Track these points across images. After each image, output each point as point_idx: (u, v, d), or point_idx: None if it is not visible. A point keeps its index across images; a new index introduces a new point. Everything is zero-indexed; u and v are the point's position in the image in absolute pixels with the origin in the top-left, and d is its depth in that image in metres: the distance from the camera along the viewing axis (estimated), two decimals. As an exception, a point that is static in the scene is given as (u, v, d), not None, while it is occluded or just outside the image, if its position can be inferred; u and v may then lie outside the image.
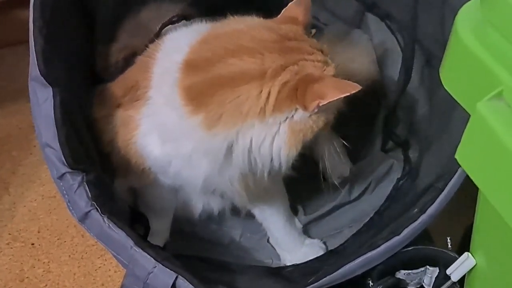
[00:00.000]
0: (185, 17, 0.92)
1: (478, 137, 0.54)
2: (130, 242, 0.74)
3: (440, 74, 0.61)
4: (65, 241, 1.15)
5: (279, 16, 0.82)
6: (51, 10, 0.78)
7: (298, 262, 0.96)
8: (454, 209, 1.03)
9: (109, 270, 1.10)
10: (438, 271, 0.83)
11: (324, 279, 0.78)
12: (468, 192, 0.62)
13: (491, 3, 0.54)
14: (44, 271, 1.11)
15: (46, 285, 1.09)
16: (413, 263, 0.84)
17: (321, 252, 0.98)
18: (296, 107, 0.74)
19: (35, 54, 0.75)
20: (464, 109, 0.58)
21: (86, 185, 0.75)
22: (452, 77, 0.60)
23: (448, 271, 0.76)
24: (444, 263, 0.82)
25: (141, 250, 0.74)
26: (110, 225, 0.74)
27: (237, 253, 1.00)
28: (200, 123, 0.74)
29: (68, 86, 0.81)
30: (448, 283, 0.79)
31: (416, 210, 0.79)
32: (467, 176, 0.56)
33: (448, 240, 0.86)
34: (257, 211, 0.97)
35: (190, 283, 0.73)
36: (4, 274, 1.10)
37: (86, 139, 0.83)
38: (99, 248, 1.11)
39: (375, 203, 0.99)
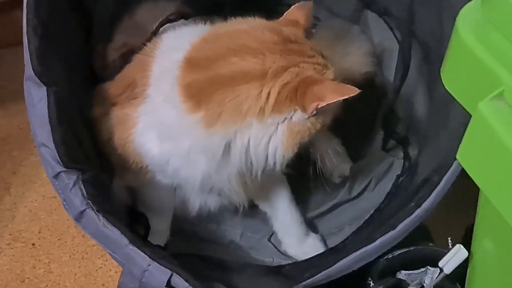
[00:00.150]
0: (183, 16, 0.92)
1: (479, 137, 0.54)
2: (125, 241, 0.74)
3: (441, 75, 0.61)
4: (66, 242, 1.15)
5: (281, 18, 0.82)
6: (47, 10, 0.78)
7: (302, 256, 0.96)
8: (454, 209, 1.03)
9: (110, 270, 1.10)
10: (438, 271, 0.83)
11: (320, 274, 0.78)
12: (469, 192, 0.62)
13: (492, 4, 0.54)
14: (44, 271, 1.11)
15: (46, 286, 1.09)
16: (413, 264, 0.83)
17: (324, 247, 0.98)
18: (295, 108, 0.74)
19: (29, 54, 0.76)
20: (461, 104, 0.58)
21: (82, 184, 0.75)
22: (453, 77, 0.60)
23: (440, 264, 0.76)
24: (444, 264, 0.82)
25: (136, 248, 0.74)
26: (105, 223, 0.74)
27: (238, 252, 1.00)
28: (199, 121, 0.75)
29: (67, 86, 0.81)
30: (441, 275, 0.78)
31: (412, 204, 0.79)
32: (468, 176, 0.56)
33: (449, 240, 0.86)
34: (260, 200, 0.97)
35: (185, 281, 0.73)
36: (5, 274, 1.10)
37: (83, 139, 0.83)
38: (99, 249, 1.11)
39: (375, 200, 0.99)
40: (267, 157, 0.78)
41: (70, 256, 1.13)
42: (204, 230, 1.02)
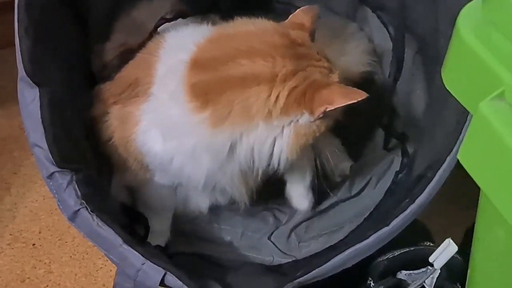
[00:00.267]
0: (181, 14, 0.93)
1: (480, 137, 0.54)
2: (119, 240, 0.75)
3: (442, 75, 0.61)
4: (66, 242, 1.15)
5: (286, 21, 0.83)
6: (39, 10, 0.78)
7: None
8: (454, 209, 1.03)
9: (110, 270, 1.10)
10: (439, 271, 0.83)
11: (314, 271, 0.78)
12: (469, 192, 0.62)
13: (493, 3, 0.54)
14: (45, 271, 1.11)
15: (47, 286, 1.09)
16: (414, 264, 0.84)
17: None
18: (302, 111, 0.76)
19: (20, 54, 0.76)
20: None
21: (76, 184, 0.75)
22: (453, 77, 0.60)
23: (430, 259, 0.75)
24: (445, 264, 0.81)
25: (129, 248, 0.74)
26: (99, 223, 0.75)
27: (238, 251, 1.00)
28: (205, 120, 0.76)
29: (62, 86, 0.81)
30: (431, 270, 0.78)
31: (407, 200, 0.79)
32: (468, 176, 0.56)
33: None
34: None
35: (179, 279, 0.74)
36: (5, 274, 1.10)
37: (80, 139, 0.83)
38: (100, 249, 1.11)
39: (376, 198, 0.99)
40: (271, 157, 0.79)
41: (70, 256, 1.13)
42: (204, 230, 1.02)
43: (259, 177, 0.83)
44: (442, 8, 0.83)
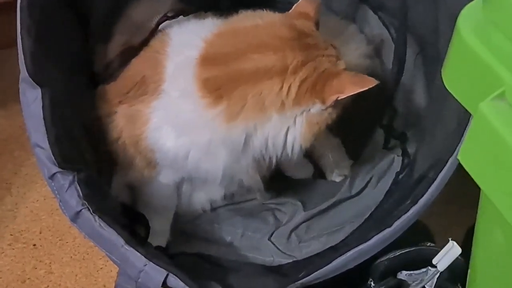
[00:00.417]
0: (181, 12, 0.93)
1: (480, 138, 0.54)
2: (120, 241, 0.74)
3: (442, 75, 0.62)
4: (67, 242, 1.15)
5: (291, 11, 0.85)
6: (41, 10, 0.78)
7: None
8: (455, 209, 1.03)
9: (111, 271, 1.10)
10: (440, 272, 0.83)
11: (316, 273, 0.78)
12: (469, 192, 0.62)
13: (494, 4, 0.54)
14: (45, 272, 1.11)
15: (47, 286, 1.09)
16: (415, 264, 0.84)
17: None
18: (314, 101, 0.78)
19: (22, 55, 0.76)
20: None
21: (77, 185, 0.75)
22: (454, 77, 0.60)
23: (434, 261, 0.76)
24: (445, 264, 0.82)
25: (131, 249, 0.74)
26: (101, 224, 0.74)
27: (238, 252, 1.00)
28: (219, 115, 0.78)
29: (63, 86, 0.81)
30: (433, 271, 0.78)
31: (408, 202, 0.79)
32: (468, 176, 0.56)
33: (450, 241, 0.86)
34: None
35: (181, 280, 0.74)
36: (6, 275, 1.10)
37: (80, 139, 0.83)
38: (101, 249, 1.11)
39: (376, 198, 0.99)
40: (285, 147, 0.81)
41: (71, 256, 1.13)
42: (204, 230, 1.02)
43: (273, 165, 0.86)
44: (443, 8, 0.83)
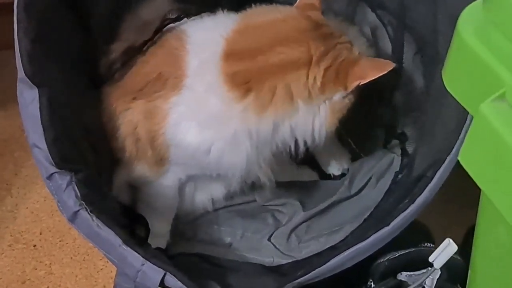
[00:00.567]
0: (184, 14, 0.93)
1: (480, 139, 0.54)
2: (118, 241, 0.74)
3: (443, 76, 0.62)
4: (67, 243, 1.15)
5: (297, 3, 0.87)
6: (38, 11, 0.78)
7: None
8: (455, 210, 1.03)
9: (111, 272, 1.10)
10: (439, 272, 0.83)
11: (314, 271, 0.78)
12: (469, 192, 0.62)
13: (494, 4, 0.55)
14: (46, 273, 1.11)
15: (47, 287, 1.09)
16: (414, 265, 0.84)
17: None
18: (338, 89, 0.82)
19: (19, 55, 0.76)
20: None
21: (75, 185, 0.75)
22: (454, 78, 0.60)
23: (430, 259, 0.76)
24: (446, 265, 0.82)
25: (129, 248, 0.74)
26: (99, 224, 0.74)
27: (238, 253, 1.00)
28: (248, 108, 0.81)
29: (62, 86, 0.81)
30: (431, 270, 0.78)
31: (406, 201, 0.79)
32: (468, 176, 0.56)
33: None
34: None
35: (178, 280, 0.74)
36: (6, 276, 1.10)
37: (79, 139, 0.83)
38: (101, 250, 1.11)
39: (376, 198, 0.99)
40: (312, 134, 0.85)
41: (71, 257, 1.13)
42: (204, 231, 1.02)
43: (299, 156, 0.89)
44: (442, 7, 0.83)
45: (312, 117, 0.83)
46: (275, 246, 1.00)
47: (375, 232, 0.78)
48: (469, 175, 0.56)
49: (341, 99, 0.83)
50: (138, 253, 0.74)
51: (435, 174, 0.77)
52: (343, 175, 1.07)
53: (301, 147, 0.86)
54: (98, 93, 0.91)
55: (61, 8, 0.86)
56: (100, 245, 0.76)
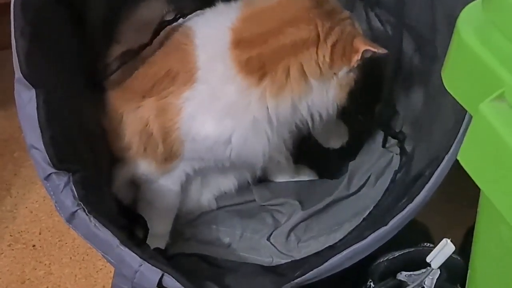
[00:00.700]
0: (180, 14, 0.93)
1: (480, 139, 0.54)
2: (116, 241, 0.75)
3: (442, 76, 0.62)
4: (66, 243, 1.15)
5: None
6: (35, 11, 0.78)
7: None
8: (455, 210, 1.03)
9: (110, 272, 1.09)
10: (439, 272, 0.83)
11: (312, 272, 0.78)
12: (469, 192, 0.62)
13: (494, 4, 0.55)
14: (45, 273, 1.11)
15: (47, 287, 1.09)
16: (414, 265, 0.83)
17: None
18: (344, 64, 0.84)
19: (16, 55, 0.76)
20: (458, 101, 0.59)
21: (73, 185, 0.75)
22: (454, 78, 0.60)
23: (428, 259, 0.75)
24: (445, 265, 0.81)
25: (126, 249, 0.74)
26: (97, 224, 0.75)
27: (237, 253, 1.00)
28: (265, 92, 0.83)
29: (59, 87, 0.81)
30: (429, 270, 0.78)
31: (405, 200, 0.79)
32: (468, 177, 0.56)
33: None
34: None
35: (176, 280, 0.74)
36: (6, 276, 1.10)
37: (77, 139, 0.83)
38: (101, 250, 1.11)
39: (375, 197, 0.99)
40: (327, 108, 0.87)
41: (70, 257, 1.13)
42: (203, 232, 1.02)
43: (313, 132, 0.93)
44: (440, 5, 0.83)
45: (325, 93, 0.85)
46: (274, 246, 1.00)
47: (373, 232, 0.78)
48: (468, 175, 0.56)
49: (347, 74, 0.85)
50: (136, 254, 0.74)
51: (433, 172, 0.77)
52: (342, 174, 1.07)
53: (317, 123, 0.89)
54: (96, 93, 0.91)
55: (58, 8, 0.86)
56: (98, 245, 0.76)
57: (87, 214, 0.75)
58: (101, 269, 1.11)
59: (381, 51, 0.83)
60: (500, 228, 0.63)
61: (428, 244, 0.85)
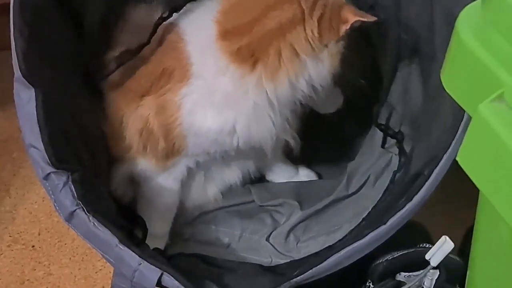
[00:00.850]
0: (174, 9, 0.93)
1: (479, 139, 0.54)
2: (115, 240, 0.75)
3: (441, 77, 0.62)
4: (65, 244, 1.15)
5: None
6: (34, 11, 0.78)
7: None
8: (454, 210, 1.03)
9: (110, 272, 1.10)
10: (438, 273, 0.83)
11: (310, 271, 0.78)
12: (469, 192, 0.62)
13: (493, 5, 0.55)
14: (44, 273, 1.11)
15: (46, 288, 1.09)
16: (413, 265, 0.83)
17: None
18: (333, 35, 0.84)
19: (16, 55, 0.76)
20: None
21: (72, 185, 0.75)
22: (453, 79, 0.60)
23: (427, 256, 0.75)
24: (444, 265, 0.82)
25: (126, 248, 0.74)
26: (96, 223, 0.75)
27: (236, 253, 1.00)
28: (260, 78, 0.83)
29: (58, 86, 0.81)
30: (428, 268, 0.78)
31: (403, 199, 0.79)
32: (467, 177, 0.56)
33: (449, 242, 0.86)
34: None
35: (176, 279, 0.74)
36: (5, 276, 1.10)
37: (75, 139, 0.83)
38: (100, 250, 1.11)
39: (374, 197, 0.99)
40: (326, 79, 0.87)
41: (70, 258, 1.13)
42: (202, 232, 1.02)
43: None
44: (438, 5, 0.83)
45: (320, 65, 0.86)
46: (274, 247, 1.00)
47: (372, 231, 0.78)
48: (468, 175, 0.56)
49: (335, 44, 0.86)
50: (135, 253, 0.74)
51: (432, 172, 0.77)
52: (341, 174, 1.07)
53: (318, 94, 0.89)
54: (95, 93, 0.91)
55: (57, 7, 0.86)
56: (97, 245, 0.76)
57: (86, 214, 0.75)
58: (100, 269, 1.11)
59: (371, 19, 0.84)
60: (499, 229, 0.63)
61: (427, 245, 0.85)
